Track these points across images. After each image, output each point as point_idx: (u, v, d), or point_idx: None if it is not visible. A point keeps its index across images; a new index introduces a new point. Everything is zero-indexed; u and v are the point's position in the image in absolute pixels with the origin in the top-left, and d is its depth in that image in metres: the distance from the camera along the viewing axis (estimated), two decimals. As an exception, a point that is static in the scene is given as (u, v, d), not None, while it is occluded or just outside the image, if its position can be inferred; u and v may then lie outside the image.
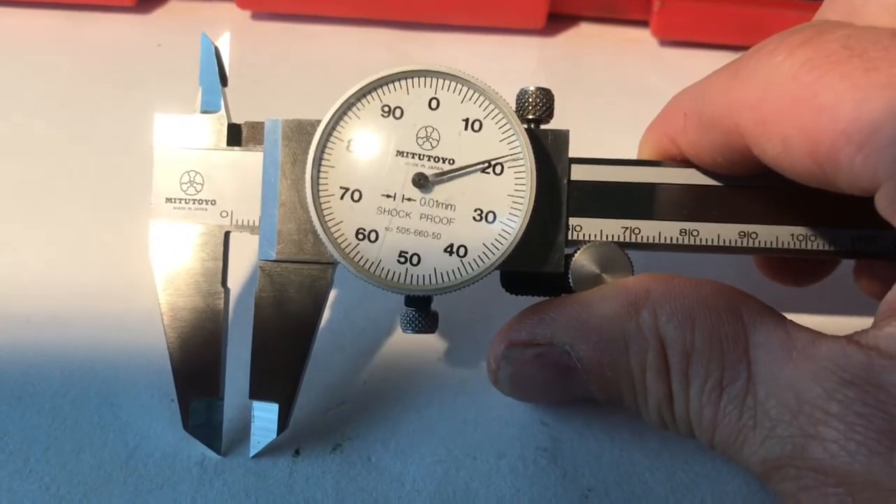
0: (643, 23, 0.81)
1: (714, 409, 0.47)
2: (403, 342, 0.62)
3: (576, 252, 0.53)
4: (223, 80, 0.55)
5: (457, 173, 0.51)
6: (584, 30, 0.82)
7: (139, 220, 0.64)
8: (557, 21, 0.81)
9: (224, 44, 0.56)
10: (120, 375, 0.60)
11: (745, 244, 0.53)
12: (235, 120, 0.55)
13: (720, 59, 0.51)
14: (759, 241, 0.53)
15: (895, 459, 0.41)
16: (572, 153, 0.54)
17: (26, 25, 0.78)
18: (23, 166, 0.70)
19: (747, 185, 0.53)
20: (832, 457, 0.42)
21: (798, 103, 0.43)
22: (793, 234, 0.53)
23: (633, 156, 0.58)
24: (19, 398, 0.58)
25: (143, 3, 0.80)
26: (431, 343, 0.62)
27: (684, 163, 0.54)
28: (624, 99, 0.75)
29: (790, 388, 0.44)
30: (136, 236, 0.64)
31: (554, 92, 0.54)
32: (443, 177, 0.51)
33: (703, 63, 0.51)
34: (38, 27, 0.78)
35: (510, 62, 0.79)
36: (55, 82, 0.75)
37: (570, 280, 0.52)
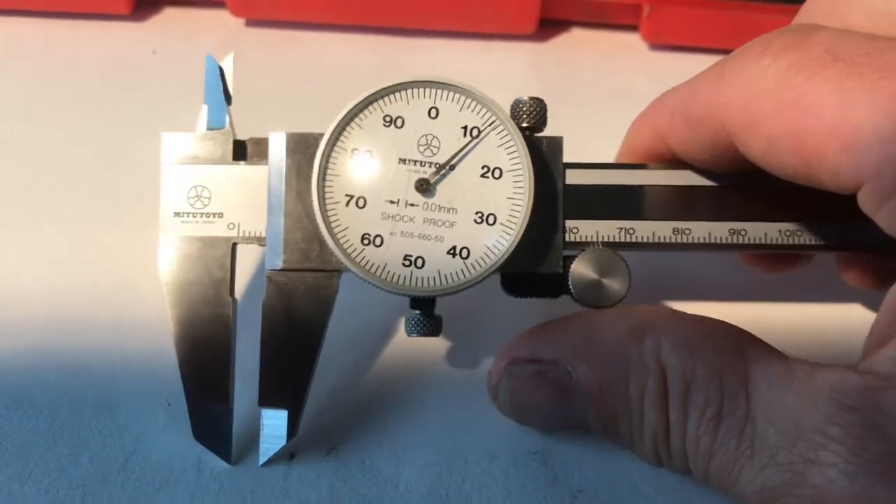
0: (633, 27, 0.81)
1: (711, 438, 0.47)
2: (398, 347, 0.63)
3: (575, 258, 0.54)
4: (227, 99, 0.56)
5: (455, 162, 0.53)
6: (575, 35, 0.82)
7: (136, 225, 0.65)
8: (548, 26, 0.81)
9: (228, 64, 0.57)
10: (117, 379, 0.60)
11: (735, 241, 0.55)
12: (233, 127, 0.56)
13: (709, 62, 0.52)
14: (749, 238, 0.55)
15: (895, 480, 0.41)
16: (565, 154, 0.55)
17: (21, 33, 0.78)
18: (19, 172, 0.70)
19: (736, 184, 0.55)
20: (831, 482, 0.42)
21: (784, 104, 0.45)
22: (780, 230, 0.55)
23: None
24: (18, 402, 0.59)
25: (137, 11, 0.80)
26: (426, 347, 0.63)
27: (674, 163, 0.55)
28: (615, 102, 0.76)
29: (790, 417, 0.44)
30: (133, 241, 0.65)
31: (545, 96, 0.54)
32: (440, 172, 0.52)
33: (692, 66, 0.52)
34: (33, 34, 0.78)
35: (502, 67, 0.79)
36: (51, 89, 0.75)
37: (570, 287, 0.53)
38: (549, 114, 0.54)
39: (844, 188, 0.44)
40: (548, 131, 0.55)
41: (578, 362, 0.51)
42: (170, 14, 0.81)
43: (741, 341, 0.49)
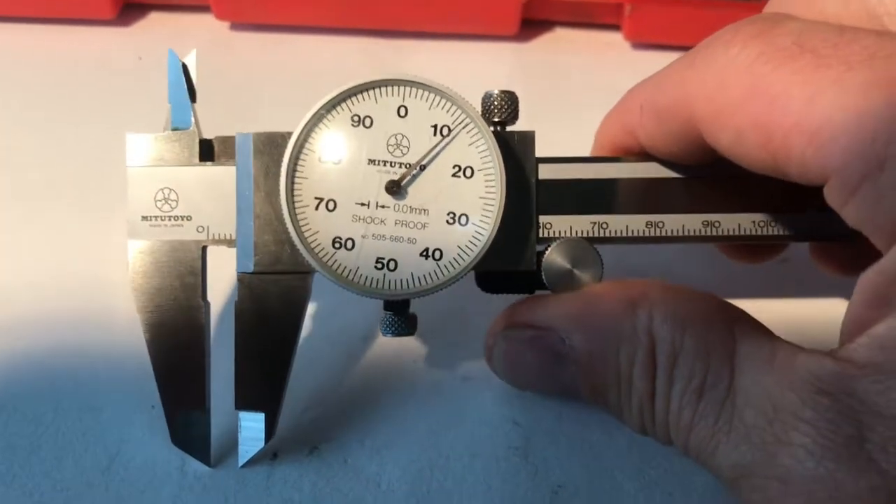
0: (615, 27, 0.82)
1: (692, 411, 0.47)
2: (378, 346, 0.63)
3: (547, 249, 0.54)
4: (192, 97, 0.56)
5: (425, 162, 0.52)
6: (558, 34, 0.83)
7: (120, 230, 0.64)
8: (531, 26, 0.82)
9: (191, 60, 0.56)
10: (101, 382, 0.60)
11: (709, 233, 0.55)
12: (216, 130, 0.55)
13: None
14: (723, 230, 0.55)
15: (859, 465, 0.42)
16: (549, 154, 0.55)
17: (4, 38, 0.79)
18: (3, 178, 0.71)
19: (709, 175, 0.55)
20: (799, 462, 0.43)
21: (752, 95, 0.45)
22: (754, 221, 0.55)
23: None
24: (2, 406, 0.59)
25: (122, 16, 0.80)
26: (406, 346, 0.63)
27: (643, 155, 0.55)
28: (598, 101, 0.75)
29: (767, 397, 0.45)
30: (116, 246, 0.65)
31: (529, 95, 0.55)
32: (411, 173, 0.52)
33: (674, 65, 0.53)
34: (18, 40, 0.79)
35: (486, 68, 0.80)
36: (36, 95, 0.76)
37: (544, 277, 0.54)
38: (532, 113, 0.55)
39: (811, 181, 0.44)
40: (530, 129, 0.55)
41: (572, 330, 0.52)
42: (155, 19, 0.81)
43: (731, 317, 0.49)
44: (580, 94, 0.78)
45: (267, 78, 0.78)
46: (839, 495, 0.42)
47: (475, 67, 0.79)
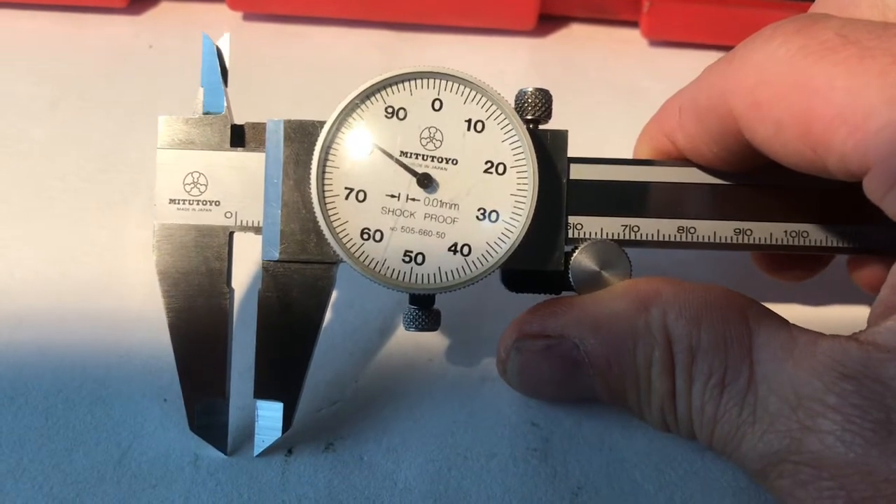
0: (633, 23, 0.82)
1: (715, 405, 0.48)
2: (396, 342, 0.63)
3: (575, 250, 0.53)
4: (224, 80, 0.55)
5: (458, 156, 0.52)
6: (575, 31, 0.82)
7: (131, 221, 0.65)
8: (548, 22, 0.82)
9: (224, 44, 0.56)
10: (112, 375, 0.60)
11: (740, 241, 0.55)
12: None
13: (709, 59, 0.52)
14: (754, 238, 0.55)
15: (890, 449, 0.42)
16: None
17: (17, 27, 0.78)
18: (13, 167, 0.70)
19: (743, 182, 0.54)
20: (828, 448, 0.43)
21: (793, 87, 0.44)
22: (786, 231, 0.55)
23: (624, 153, 0.58)
24: (12, 398, 0.58)
25: (134, 5, 0.80)
26: (424, 343, 0.62)
27: (681, 160, 0.55)
28: (614, 98, 0.76)
29: (790, 385, 0.45)
30: (127, 237, 0.65)
31: (545, 91, 0.54)
32: (443, 167, 0.52)
33: (692, 63, 0.52)
34: (29, 28, 0.78)
35: (502, 63, 0.79)
36: (47, 83, 0.75)
37: (571, 278, 0.53)
38: (548, 110, 0.54)
39: (851, 174, 0.44)
40: (547, 125, 0.54)
41: (586, 336, 0.52)
42: (166, 8, 0.81)
43: (746, 309, 0.49)
44: (596, 91, 0.78)
45: (280, 70, 0.78)
46: (872, 479, 0.42)
47: (491, 62, 0.79)
